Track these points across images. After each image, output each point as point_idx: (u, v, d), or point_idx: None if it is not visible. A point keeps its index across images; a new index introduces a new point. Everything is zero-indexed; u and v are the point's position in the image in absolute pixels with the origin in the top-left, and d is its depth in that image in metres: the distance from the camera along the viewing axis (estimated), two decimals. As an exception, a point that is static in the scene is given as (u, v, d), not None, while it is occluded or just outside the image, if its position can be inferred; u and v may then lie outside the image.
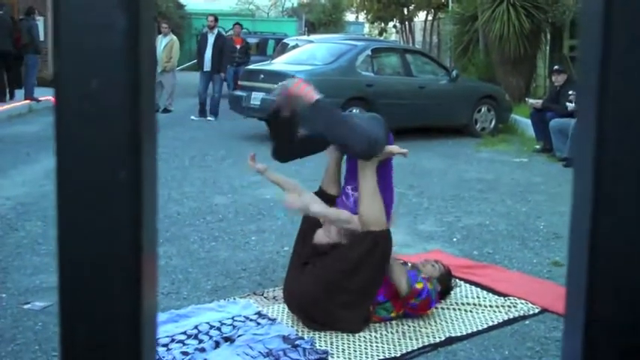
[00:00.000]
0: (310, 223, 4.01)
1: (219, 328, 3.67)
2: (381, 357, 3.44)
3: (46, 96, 13.71)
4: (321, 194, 4.10)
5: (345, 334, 3.65)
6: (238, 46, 14.77)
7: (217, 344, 3.48)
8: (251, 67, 12.20)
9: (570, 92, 9.28)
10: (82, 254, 0.45)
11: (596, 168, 0.43)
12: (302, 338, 3.59)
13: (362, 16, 36.33)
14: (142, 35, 0.45)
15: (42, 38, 15.09)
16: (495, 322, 3.90)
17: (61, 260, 0.45)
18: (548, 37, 15.06)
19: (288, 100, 3.82)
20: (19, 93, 13.86)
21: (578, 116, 0.46)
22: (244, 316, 3.84)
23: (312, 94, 3.73)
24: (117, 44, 0.44)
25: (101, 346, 0.45)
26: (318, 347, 3.51)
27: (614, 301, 0.43)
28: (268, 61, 12.84)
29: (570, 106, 9.06)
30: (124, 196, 0.44)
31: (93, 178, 0.44)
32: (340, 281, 3.68)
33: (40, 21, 15.55)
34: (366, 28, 38.40)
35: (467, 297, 4.31)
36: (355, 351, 3.49)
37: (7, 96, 13.62)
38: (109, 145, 0.44)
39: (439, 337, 3.68)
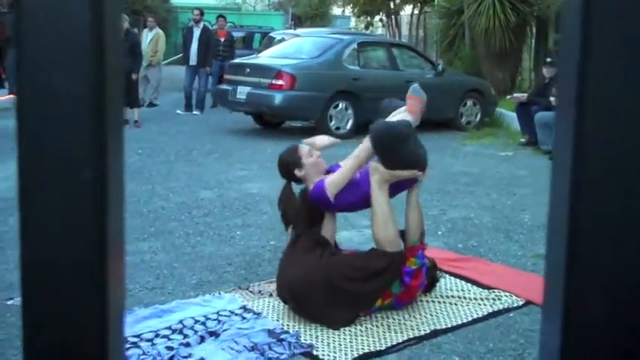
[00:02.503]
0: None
1: (204, 323, 3.66)
2: (366, 350, 3.45)
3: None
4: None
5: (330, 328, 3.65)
6: (222, 40, 14.53)
7: (202, 339, 3.47)
8: (237, 60, 12.16)
9: (556, 86, 9.32)
10: (44, 257, 0.44)
11: (575, 162, 0.42)
12: (287, 332, 3.59)
13: (348, 10, 36.23)
14: (107, 30, 0.44)
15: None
16: (480, 315, 3.92)
17: (23, 262, 0.44)
18: (534, 30, 15.11)
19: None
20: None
21: (558, 110, 0.46)
22: (229, 311, 3.83)
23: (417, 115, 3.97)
24: (81, 39, 0.43)
25: (66, 350, 0.44)
26: (303, 341, 3.51)
27: (593, 295, 0.43)
28: (254, 55, 12.81)
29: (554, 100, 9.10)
30: (89, 197, 0.43)
31: (56, 178, 0.43)
32: (341, 284, 3.67)
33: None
34: (353, 21, 38.32)
35: (452, 290, 4.32)
36: (340, 344, 3.49)
37: None
38: (73, 145, 0.43)
39: (424, 330, 3.68)
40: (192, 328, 3.60)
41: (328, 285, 3.66)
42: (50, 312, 0.44)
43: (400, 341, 3.55)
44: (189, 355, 3.29)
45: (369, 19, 33.63)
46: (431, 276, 4.14)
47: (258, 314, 3.82)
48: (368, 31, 30.19)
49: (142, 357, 3.27)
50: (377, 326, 3.72)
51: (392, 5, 30.03)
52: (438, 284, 4.26)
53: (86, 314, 0.44)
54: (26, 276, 0.45)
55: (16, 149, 0.45)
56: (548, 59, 10.43)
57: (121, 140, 0.47)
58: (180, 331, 3.56)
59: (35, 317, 0.45)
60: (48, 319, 0.44)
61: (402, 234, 3.93)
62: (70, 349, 0.44)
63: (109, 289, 0.44)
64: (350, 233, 4.55)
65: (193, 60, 13.34)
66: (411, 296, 3.91)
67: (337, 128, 10.25)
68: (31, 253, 0.45)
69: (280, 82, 10.25)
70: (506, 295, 4.18)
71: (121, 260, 0.47)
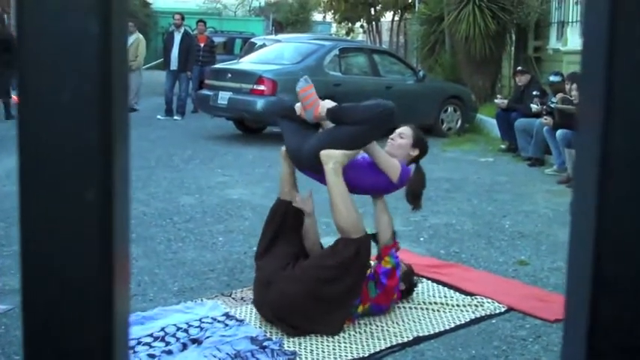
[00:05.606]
0: (290, 224, 4.05)
1: (186, 330, 3.64)
2: (349, 357, 3.44)
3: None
4: (280, 206, 4.11)
5: (313, 335, 3.64)
6: (202, 45, 14.49)
7: (184, 346, 3.45)
8: (218, 66, 12.12)
9: (534, 93, 9.39)
10: (48, 276, 0.42)
11: (601, 179, 0.42)
12: (270, 339, 3.57)
13: (329, 16, 36.34)
14: (114, 42, 0.43)
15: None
16: (462, 322, 3.93)
17: (25, 283, 0.43)
18: (514, 38, 15.22)
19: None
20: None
21: (581, 122, 0.45)
22: (212, 318, 3.81)
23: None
24: (88, 51, 0.42)
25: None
26: (286, 348, 3.50)
27: (618, 306, 0.43)
28: (236, 61, 12.79)
29: (534, 107, 9.17)
30: (94, 216, 0.42)
31: (60, 195, 0.42)
32: (321, 288, 3.66)
33: None
34: (334, 28, 38.42)
35: (434, 296, 4.33)
36: (323, 352, 3.49)
37: None
38: (78, 161, 0.42)
39: (407, 337, 3.69)
40: (174, 335, 3.57)
41: (308, 295, 3.64)
42: (52, 324, 0.43)
43: (383, 348, 3.56)
44: (172, 363, 3.27)
45: (350, 25, 33.75)
46: (408, 281, 4.16)
47: (241, 321, 3.80)
48: (349, 37, 30.29)
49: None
50: (360, 333, 3.72)
51: (373, 12, 30.16)
52: (418, 290, 4.27)
53: (91, 327, 0.43)
54: (27, 286, 0.44)
55: (18, 167, 0.44)
56: (519, 68, 10.52)
57: (127, 156, 0.46)
58: (162, 339, 3.53)
59: (37, 331, 0.44)
60: (50, 333, 0.43)
61: (374, 237, 3.95)
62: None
63: (114, 300, 0.43)
64: (333, 239, 4.55)
65: (174, 65, 13.30)
66: (388, 298, 3.91)
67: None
68: (33, 273, 0.43)
69: (262, 87, 10.24)
70: (488, 302, 4.20)
71: (125, 277, 0.46)
